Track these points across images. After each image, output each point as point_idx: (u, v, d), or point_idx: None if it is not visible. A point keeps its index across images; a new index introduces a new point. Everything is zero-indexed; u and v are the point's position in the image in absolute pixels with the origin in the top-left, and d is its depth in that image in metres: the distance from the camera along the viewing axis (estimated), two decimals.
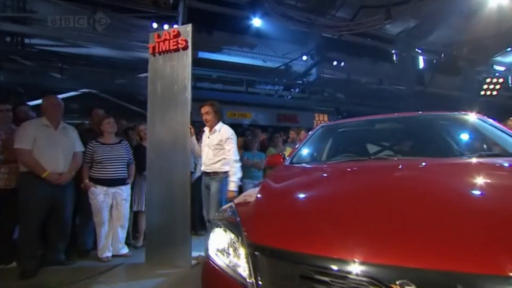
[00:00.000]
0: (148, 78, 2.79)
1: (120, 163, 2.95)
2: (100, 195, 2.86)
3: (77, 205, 2.98)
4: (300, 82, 11.30)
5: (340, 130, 2.29)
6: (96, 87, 7.29)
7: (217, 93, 8.37)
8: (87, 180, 2.89)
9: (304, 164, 1.77)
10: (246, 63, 9.85)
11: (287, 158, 1.96)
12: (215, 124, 2.58)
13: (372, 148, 2.01)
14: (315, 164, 1.78)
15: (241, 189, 2.84)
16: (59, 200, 2.60)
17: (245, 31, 9.27)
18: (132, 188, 3.12)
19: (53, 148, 2.59)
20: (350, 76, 11.70)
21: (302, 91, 11.12)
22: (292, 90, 11.01)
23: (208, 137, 2.62)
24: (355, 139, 2.14)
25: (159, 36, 2.77)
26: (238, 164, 2.40)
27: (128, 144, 3.12)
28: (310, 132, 2.27)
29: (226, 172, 2.52)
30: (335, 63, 10.70)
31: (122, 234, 3.05)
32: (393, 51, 12.47)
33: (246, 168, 4.22)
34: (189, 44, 2.66)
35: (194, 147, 2.69)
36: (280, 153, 2.46)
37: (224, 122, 2.70)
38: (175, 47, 2.69)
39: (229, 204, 1.26)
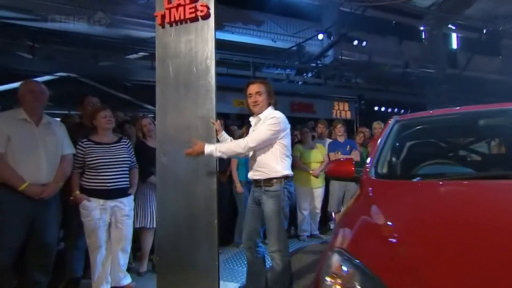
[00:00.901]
0: (156, 58, 2.45)
1: (121, 168, 2.66)
2: (95, 211, 2.57)
3: (65, 224, 2.69)
4: (314, 65, 10.96)
5: (425, 127, 1.98)
6: (75, 70, 6.91)
7: (220, 77, 7.89)
8: (78, 192, 2.59)
9: (407, 180, 1.51)
10: (252, 43, 9.46)
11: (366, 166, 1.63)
12: (264, 109, 2.28)
13: (477, 155, 1.73)
14: (422, 181, 1.50)
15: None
16: (41, 219, 2.32)
17: (251, 6, 8.92)
18: (134, 200, 2.83)
19: (33, 150, 2.30)
20: (371, 58, 11.34)
21: (317, 75, 10.79)
22: (304, 74, 10.67)
23: (254, 130, 2.32)
24: (451, 141, 1.82)
25: (169, 1, 2.38)
26: (242, 151, 2.14)
27: (130, 143, 2.84)
28: (385, 130, 1.93)
29: (285, 177, 2.21)
30: (355, 42, 10.30)
31: (123, 260, 2.73)
32: (422, 28, 12.14)
33: None
34: (212, 10, 2.33)
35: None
36: (348, 158, 2.12)
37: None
38: (193, 15, 2.34)
39: (334, 252, 0.93)
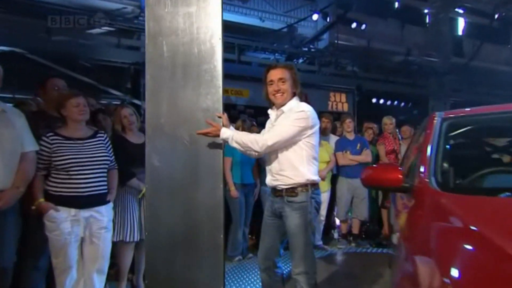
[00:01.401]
0: (146, 34, 2.28)
1: (97, 169, 2.51)
2: (64, 223, 2.40)
3: (24, 240, 2.47)
4: (306, 49, 10.95)
5: (479, 126, 1.94)
6: (21, 45, 6.46)
7: None
8: (42, 199, 2.40)
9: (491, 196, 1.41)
10: (237, 22, 9.29)
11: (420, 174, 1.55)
12: (288, 100, 2.20)
13: None
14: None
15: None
16: None
17: None
18: (113, 208, 2.67)
19: None
20: (370, 43, 11.46)
21: (310, 61, 10.79)
22: (295, 60, 10.65)
23: (274, 125, 2.25)
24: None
25: None
26: (258, 150, 2.11)
27: (107, 138, 2.68)
28: (430, 130, 1.86)
29: (312, 185, 2.15)
30: (354, 25, 10.36)
31: (99, 283, 2.59)
32: (426, 11, 12.38)
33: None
34: None
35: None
36: (389, 163, 2.05)
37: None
38: None
39: None
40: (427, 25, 12.62)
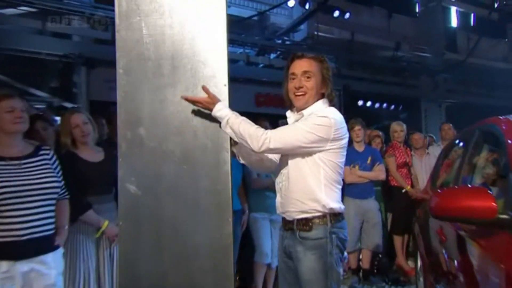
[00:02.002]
0: (116, 13, 2.08)
1: (41, 201, 2.29)
2: None
3: None
4: (280, 42, 10.96)
5: None
6: None
7: None
8: None
9: None
10: None
11: None
12: (311, 103, 2.08)
13: None
14: None
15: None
16: None
17: None
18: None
19: None
20: (355, 36, 11.70)
21: (285, 56, 10.78)
22: (267, 55, 10.62)
23: None
24: None
25: None
26: (256, 147, 1.96)
27: (54, 156, 2.47)
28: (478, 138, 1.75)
29: (333, 215, 2.03)
30: (336, 13, 10.51)
31: None
32: None
33: (255, 194, 3.83)
34: None
35: (250, 156, 2.21)
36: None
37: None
38: None
39: None
40: (417, 15, 13.11)
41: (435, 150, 4.84)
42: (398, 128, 4.79)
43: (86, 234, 2.66)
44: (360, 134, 4.30)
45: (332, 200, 2.02)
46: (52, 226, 2.31)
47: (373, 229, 4.28)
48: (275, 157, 2.24)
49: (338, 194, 2.07)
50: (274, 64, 10.46)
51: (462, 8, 13.48)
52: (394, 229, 4.73)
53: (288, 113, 2.19)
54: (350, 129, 4.49)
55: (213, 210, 1.98)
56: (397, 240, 4.64)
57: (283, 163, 2.13)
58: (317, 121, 1.96)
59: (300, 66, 2.07)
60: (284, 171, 2.10)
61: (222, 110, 1.95)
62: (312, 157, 2.00)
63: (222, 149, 2.00)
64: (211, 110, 1.95)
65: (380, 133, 5.07)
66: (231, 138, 2.02)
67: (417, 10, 13.11)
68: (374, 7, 12.12)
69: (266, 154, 2.26)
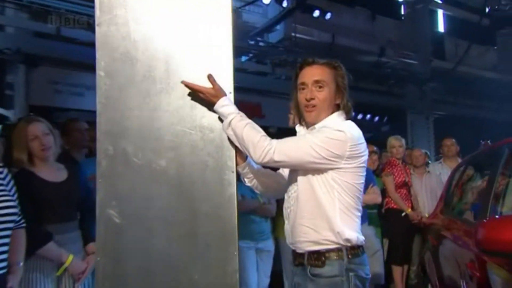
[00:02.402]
0: (97, 3, 2.00)
1: None
2: None
3: None
4: (253, 43, 10.98)
5: None
6: None
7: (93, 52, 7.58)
8: None
9: None
10: None
11: None
12: (324, 116, 2.05)
13: None
14: None
15: None
16: None
17: None
18: None
19: None
20: (336, 38, 11.90)
21: (259, 60, 10.84)
22: (238, 58, 10.59)
23: None
24: None
25: None
26: (257, 156, 1.92)
27: (8, 175, 2.32)
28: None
29: (350, 248, 1.96)
30: (316, 13, 10.65)
31: None
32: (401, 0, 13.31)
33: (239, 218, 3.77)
34: None
35: (258, 178, 2.18)
36: None
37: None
38: None
39: None
40: (402, 17, 13.51)
41: (436, 168, 4.92)
42: (397, 144, 4.81)
43: (45, 272, 2.52)
44: None
45: (350, 229, 1.95)
46: (5, 264, 2.14)
47: (373, 258, 4.24)
48: (285, 179, 2.18)
49: (357, 222, 2.01)
50: (247, 68, 10.51)
51: (450, 11, 14.02)
52: (392, 258, 4.73)
53: (298, 128, 2.15)
54: None
55: (215, 241, 1.91)
56: (396, 271, 4.64)
57: (291, 184, 2.07)
58: (330, 135, 1.91)
59: (311, 74, 2.04)
60: (292, 194, 2.04)
61: (226, 106, 1.91)
62: (325, 177, 1.95)
63: (226, 168, 1.93)
64: (213, 103, 1.91)
65: (375, 148, 5.09)
66: (236, 156, 1.97)
67: (402, 12, 13.49)
68: (357, 7, 12.37)
69: (277, 175, 2.21)
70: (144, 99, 1.94)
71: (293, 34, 11.14)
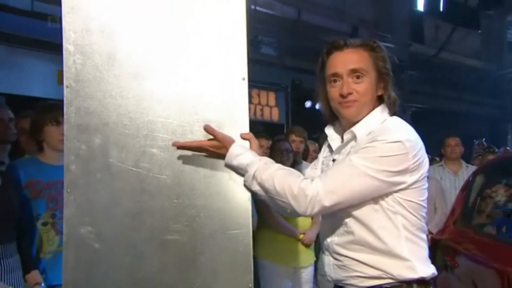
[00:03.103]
0: None
1: None
2: None
3: None
4: None
5: None
6: None
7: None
8: None
9: None
10: None
11: None
12: (366, 112, 1.94)
13: None
14: None
15: None
16: None
17: None
18: None
19: None
20: (301, 14, 11.94)
21: None
22: None
23: (333, 160, 2.02)
24: None
25: None
26: (301, 209, 1.81)
27: None
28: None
29: (421, 284, 1.86)
30: None
31: None
32: None
33: None
34: None
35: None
36: None
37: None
38: None
39: None
40: None
41: (436, 172, 4.97)
42: None
43: None
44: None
45: (419, 261, 1.87)
46: None
47: None
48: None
49: (425, 250, 1.93)
50: None
51: None
52: None
53: (329, 131, 2.04)
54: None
55: (224, 270, 1.79)
56: None
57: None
58: (385, 151, 1.78)
59: (345, 61, 1.90)
60: (335, 221, 1.92)
61: (242, 155, 1.81)
62: (385, 201, 1.85)
63: (237, 175, 1.82)
64: (221, 155, 1.81)
65: None
66: None
67: None
68: None
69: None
70: (129, 83, 1.80)
71: (252, 7, 11.07)
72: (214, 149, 1.80)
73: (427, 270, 1.87)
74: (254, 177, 1.78)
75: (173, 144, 1.79)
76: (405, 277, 1.82)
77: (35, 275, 2.47)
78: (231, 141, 1.82)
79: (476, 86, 13.89)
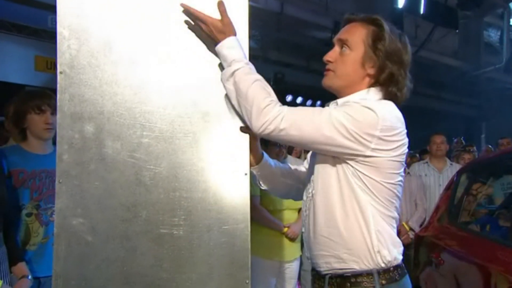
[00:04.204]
0: None
1: None
2: None
3: None
4: None
5: None
6: None
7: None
8: None
9: None
10: None
11: None
12: (347, 87, 1.93)
13: None
14: None
15: None
16: None
17: None
18: None
19: None
20: (284, 8, 11.89)
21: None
22: None
23: None
24: None
25: None
26: (259, 127, 1.75)
27: None
28: None
29: (384, 273, 1.82)
30: None
31: None
32: None
33: None
34: None
35: (274, 179, 2.12)
36: None
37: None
38: None
39: None
40: None
41: (421, 169, 4.98)
42: None
43: None
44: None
45: (384, 247, 1.81)
46: None
47: None
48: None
49: (394, 232, 1.87)
50: None
51: None
52: None
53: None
54: None
55: (220, 265, 1.74)
56: None
57: (309, 182, 1.93)
58: (356, 111, 1.74)
59: (341, 32, 1.91)
60: (309, 195, 1.90)
61: (233, 49, 1.74)
62: (348, 174, 1.80)
63: (236, 168, 1.77)
64: (217, 40, 1.74)
65: None
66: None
67: None
68: None
69: (299, 172, 2.10)
70: (126, 70, 1.72)
71: None
72: (214, 29, 1.74)
73: (394, 256, 1.84)
74: (233, 74, 1.73)
75: (181, 4, 1.74)
76: (370, 264, 1.80)
77: (22, 267, 2.39)
78: (233, 32, 1.76)
79: (452, 85, 14.03)
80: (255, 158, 1.90)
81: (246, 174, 1.74)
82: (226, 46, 1.74)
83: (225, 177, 1.75)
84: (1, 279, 2.25)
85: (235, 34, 1.76)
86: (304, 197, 1.97)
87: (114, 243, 1.68)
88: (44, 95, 2.68)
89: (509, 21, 15.47)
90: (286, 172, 2.11)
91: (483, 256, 2.79)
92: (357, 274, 1.79)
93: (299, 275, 4.31)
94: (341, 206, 1.79)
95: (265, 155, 1.99)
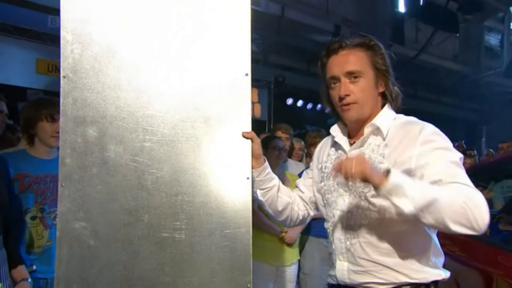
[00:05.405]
0: None
1: None
2: None
3: None
4: None
5: None
6: None
7: None
8: None
9: None
10: None
11: None
12: (368, 109, 1.92)
13: None
14: None
15: None
16: None
17: None
18: None
19: None
20: (286, 11, 11.90)
21: None
22: None
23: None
24: None
25: None
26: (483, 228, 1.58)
27: None
28: None
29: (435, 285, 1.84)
30: None
31: None
32: None
33: None
34: None
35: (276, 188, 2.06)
36: None
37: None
38: None
39: None
40: None
41: None
42: None
43: None
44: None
45: (440, 263, 1.85)
46: None
47: None
48: (307, 200, 2.09)
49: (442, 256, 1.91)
50: None
51: None
52: None
53: (335, 130, 1.98)
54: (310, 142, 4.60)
55: (221, 270, 1.73)
56: None
57: (337, 219, 1.87)
58: (444, 141, 1.78)
59: (341, 64, 1.87)
60: (350, 222, 1.83)
61: (400, 181, 1.56)
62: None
63: (238, 173, 1.76)
64: (378, 185, 1.56)
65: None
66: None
67: None
68: None
69: (296, 197, 2.09)
70: (128, 74, 1.72)
71: None
72: (362, 176, 1.57)
73: (440, 274, 1.87)
74: (413, 201, 1.55)
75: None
76: (419, 279, 1.80)
77: (21, 270, 2.38)
78: (387, 170, 1.59)
79: (453, 89, 14.02)
80: (258, 162, 1.89)
81: (248, 178, 1.73)
82: (390, 183, 1.55)
83: (227, 182, 1.73)
84: (0, 282, 2.24)
85: (390, 171, 1.58)
86: (334, 219, 1.91)
87: (116, 246, 1.67)
88: (57, 104, 2.68)
89: (509, 25, 15.44)
90: (283, 189, 2.09)
91: (484, 261, 2.79)
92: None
93: (298, 279, 4.30)
94: (413, 236, 1.80)
95: (267, 162, 1.98)
